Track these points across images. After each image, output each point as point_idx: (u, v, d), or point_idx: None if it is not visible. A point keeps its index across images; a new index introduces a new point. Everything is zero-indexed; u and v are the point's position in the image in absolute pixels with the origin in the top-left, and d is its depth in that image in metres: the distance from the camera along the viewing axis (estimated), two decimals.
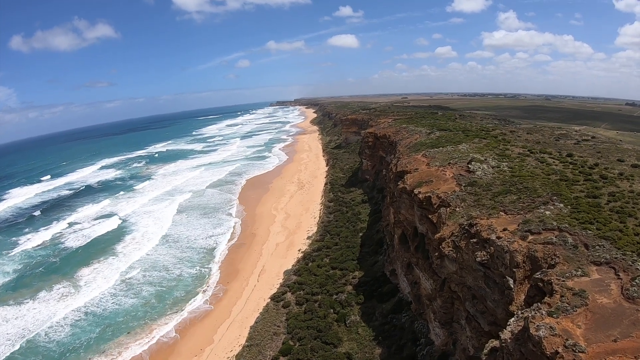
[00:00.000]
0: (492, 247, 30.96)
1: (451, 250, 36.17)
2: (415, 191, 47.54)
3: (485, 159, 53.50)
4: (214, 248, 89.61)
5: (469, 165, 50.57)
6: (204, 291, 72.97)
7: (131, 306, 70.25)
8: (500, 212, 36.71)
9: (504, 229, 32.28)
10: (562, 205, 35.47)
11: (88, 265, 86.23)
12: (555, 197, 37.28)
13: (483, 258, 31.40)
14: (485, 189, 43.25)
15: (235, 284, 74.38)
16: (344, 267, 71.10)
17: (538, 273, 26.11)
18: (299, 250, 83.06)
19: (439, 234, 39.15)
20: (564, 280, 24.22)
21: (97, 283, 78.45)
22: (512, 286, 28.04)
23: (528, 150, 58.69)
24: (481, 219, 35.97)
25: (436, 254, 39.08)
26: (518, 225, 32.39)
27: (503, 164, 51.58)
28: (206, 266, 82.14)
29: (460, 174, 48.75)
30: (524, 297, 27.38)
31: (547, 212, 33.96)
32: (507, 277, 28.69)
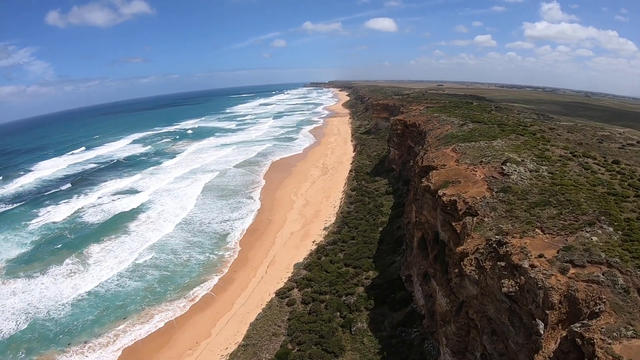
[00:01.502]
0: (523, 278, 25.12)
1: (473, 270, 30.49)
2: (440, 192, 41.54)
3: (523, 160, 46.86)
4: (228, 234, 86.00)
5: (503, 167, 44.03)
6: (210, 279, 69.64)
7: (133, 290, 68.10)
8: (537, 230, 30.67)
9: (540, 255, 26.29)
10: (611, 229, 29.05)
11: (100, 243, 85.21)
12: (603, 217, 30.82)
13: (510, 289, 25.64)
14: (520, 197, 37.00)
15: (243, 274, 70.74)
16: (358, 265, 65.90)
17: (578, 325, 20.37)
18: (313, 242, 78.37)
19: (462, 247, 33.38)
20: (609, 343, 18.45)
21: (106, 263, 77.01)
22: (542, 332, 22.36)
23: (570, 153, 51.62)
24: (513, 236, 30.02)
25: (456, 270, 33.43)
26: (557, 252, 26.35)
27: (542, 167, 44.90)
28: (216, 252, 78.85)
29: (493, 176, 42.39)
30: (554, 347, 21.75)
31: (594, 238, 27.61)
32: (537, 319, 22.96)
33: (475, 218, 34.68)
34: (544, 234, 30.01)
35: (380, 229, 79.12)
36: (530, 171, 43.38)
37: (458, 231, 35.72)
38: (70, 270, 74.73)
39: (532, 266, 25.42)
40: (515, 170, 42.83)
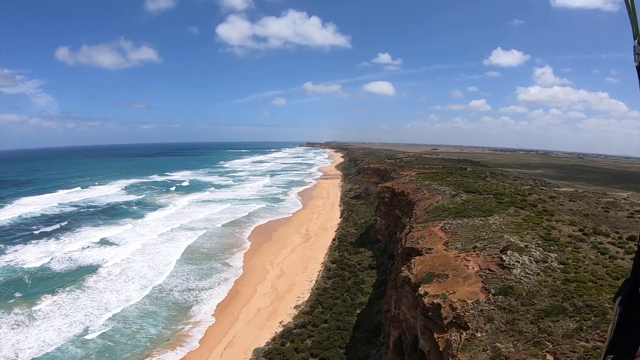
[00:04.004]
0: None
1: None
2: (421, 289, 32.63)
3: (526, 246, 38.48)
4: (190, 306, 75.62)
5: (503, 257, 35.46)
6: (155, 358, 59.14)
7: (69, 358, 58.72)
8: (548, 356, 21.85)
9: None
10: None
11: (54, 295, 77.02)
12: None
13: None
14: (525, 301, 28.30)
15: (194, 355, 60.27)
16: (326, 357, 55.22)
17: None
18: (280, 323, 67.85)
19: None
20: None
21: (53, 321, 68.36)
22: None
23: (579, 231, 44.24)
24: None
25: None
26: None
27: (551, 255, 36.57)
28: (171, 326, 68.32)
29: (490, 269, 33.75)
30: None
31: None
32: None
33: (464, 333, 25.69)
34: None
35: (358, 311, 68.88)
36: (536, 262, 34.88)
37: (441, 348, 26.55)
38: (16, 321, 67.39)
39: None
40: (518, 262, 34.25)
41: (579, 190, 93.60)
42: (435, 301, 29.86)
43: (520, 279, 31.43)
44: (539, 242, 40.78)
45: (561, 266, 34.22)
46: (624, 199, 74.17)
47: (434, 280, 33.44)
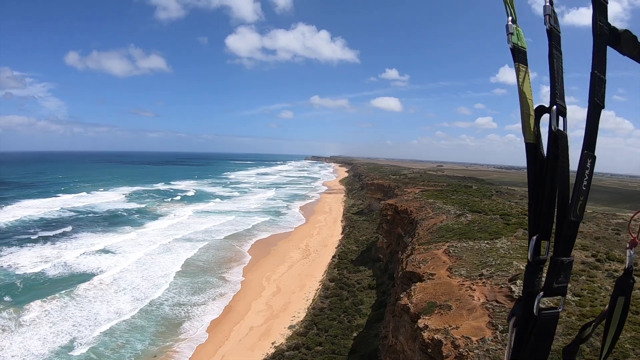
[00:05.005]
0: None
1: None
2: (421, 322, 29.34)
3: None
4: (180, 322, 72.34)
5: (512, 286, 32.33)
6: None
7: None
8: None
9: None
10: None
11: (44, 301, 74.77)
12: None
13: None
14: None
15: None
16: None
17: None
18: (272, 344, 64.45)
19: None
20: None
21: (40, 328, 66.49)
22: None
23: (592, 256, 41.23)
24: None
25: None
26: None
27: None
28: (159, 343, 65.21)
29: (497, 301, 30.51)
30: None
31: None
32: None
33: None
34: None
35: (355, 334, 65.38)
36: None
37: None
38: (2, 327, 65.83)
39: None
40: None
41: (588, 211, 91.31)
42: (436, 336, 26.62)
43: None
44: None
45: (576, 298, 30.98)
46: (635, 220, 71.95)
47: (436, 312, 30.14)
